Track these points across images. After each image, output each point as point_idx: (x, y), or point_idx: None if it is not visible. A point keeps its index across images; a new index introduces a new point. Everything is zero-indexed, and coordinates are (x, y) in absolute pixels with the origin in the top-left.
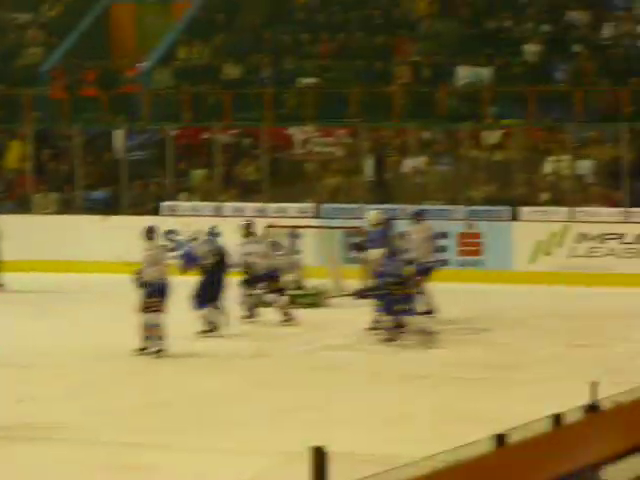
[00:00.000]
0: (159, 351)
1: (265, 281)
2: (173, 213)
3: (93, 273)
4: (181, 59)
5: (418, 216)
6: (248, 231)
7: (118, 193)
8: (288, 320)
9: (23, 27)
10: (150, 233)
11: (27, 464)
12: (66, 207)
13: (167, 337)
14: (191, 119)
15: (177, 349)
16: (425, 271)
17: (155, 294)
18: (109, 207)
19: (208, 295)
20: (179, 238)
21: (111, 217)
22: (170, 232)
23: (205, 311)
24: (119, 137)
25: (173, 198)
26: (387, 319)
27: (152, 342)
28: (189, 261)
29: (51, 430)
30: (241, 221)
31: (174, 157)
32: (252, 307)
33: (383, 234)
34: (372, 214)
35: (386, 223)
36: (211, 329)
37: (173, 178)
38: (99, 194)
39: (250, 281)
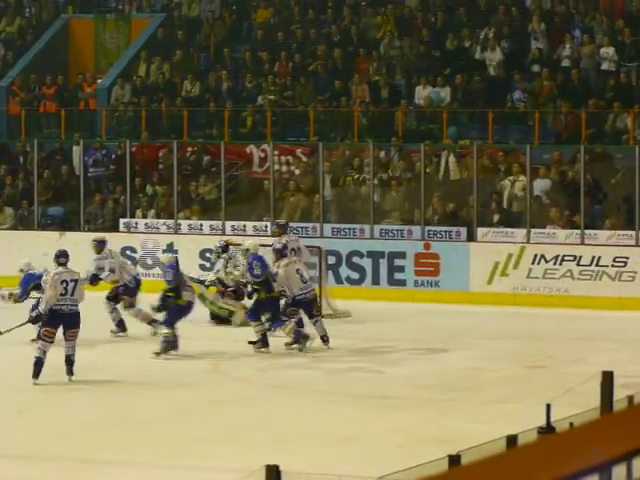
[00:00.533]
0: None
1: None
2: (130, 230)
3: None
4: (140, 76)
5: (284, 228)
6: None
7: (75, 209)
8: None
9: None
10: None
11: None
12: (22, 222)
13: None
14: (149, 136)
15: (133, 365)
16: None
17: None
18: (66, 223)
19: None
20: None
21: (67, 233)
22: (127, 249)
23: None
24: (77, 153)
25: (131, 215)
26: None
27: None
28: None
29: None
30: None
31: (132, 173)
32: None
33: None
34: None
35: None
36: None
37: (131, 195)
38: (56, 210)
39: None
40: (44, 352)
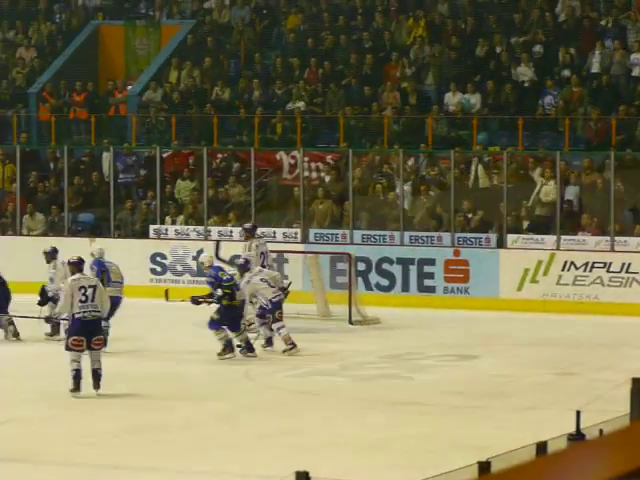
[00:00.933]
0: None
1: None
2: (160, 237)
3: None
4: (170, 82)
5: (252, 231)
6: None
7: (105, 215)
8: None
9: (12, 47)
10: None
11: None
12: (53, 229)
13: None
14: (180, 142)
15: (163, 372)
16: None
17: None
18: (96, 229)
19: None
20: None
21: (97, 239)
22: (158, 255)
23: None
24: (108, 159)
25: (161, 221)
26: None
27: None
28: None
29: (31, 452)
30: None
31: (162, 180)
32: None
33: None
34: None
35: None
36: None
37: (161, 201)
38: (86, 216)
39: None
40: (78, 362)
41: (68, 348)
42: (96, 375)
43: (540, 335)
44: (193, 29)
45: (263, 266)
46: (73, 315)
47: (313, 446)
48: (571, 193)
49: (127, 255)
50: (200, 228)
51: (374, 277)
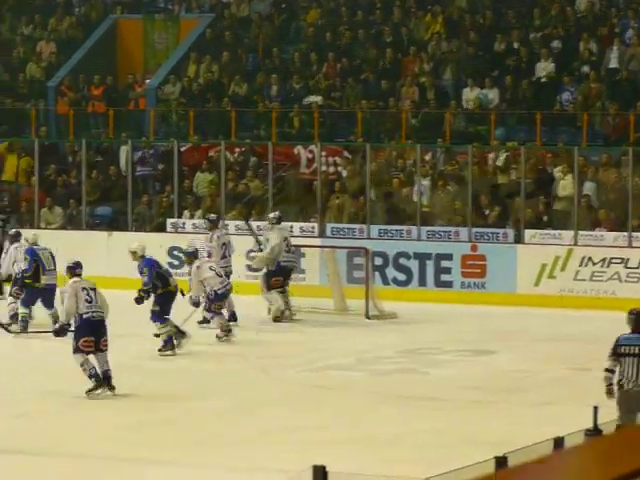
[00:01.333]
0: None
1: None
2: (178, 230)
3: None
4: (188, 76)
5: (215, 222)
6: None
7: (123, 209)
8: None
9: (31, 41)
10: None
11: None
12: (71, 222)
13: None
14: (198, 136)
15: (179, 365)
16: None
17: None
18: (114, 223)
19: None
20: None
21: (114, 233)
22: (175, 249)
23: None
24: (125, 153)
25: (178, 215)
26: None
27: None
28: None
29: (51, 445)
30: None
31: (180, 174)
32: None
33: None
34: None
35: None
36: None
37: (178, 195)
38: (104, 210)
39: None
40: (89, 362)
41: (78, 350)
42: (107, 377)
43: (557, 331)
44: (212, 23)
45: (224, 257)
46: (81, 316)
47: (329, 440)
48: (589, 188)
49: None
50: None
51: (391, 272)
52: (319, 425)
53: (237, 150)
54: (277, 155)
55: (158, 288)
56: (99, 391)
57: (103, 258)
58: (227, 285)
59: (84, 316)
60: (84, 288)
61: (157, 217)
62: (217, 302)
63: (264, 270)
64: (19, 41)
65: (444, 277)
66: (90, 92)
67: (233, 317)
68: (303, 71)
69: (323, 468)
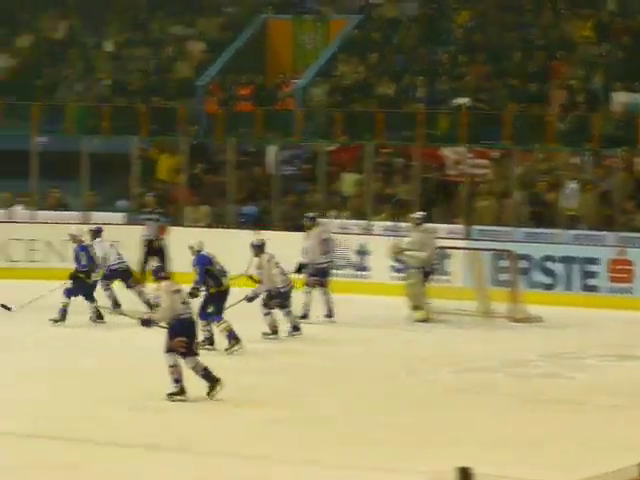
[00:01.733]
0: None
1: None
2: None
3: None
4: (336, 76)
5: (313, 220)
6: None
7: (268, 208)
8: None
9: (180, 40)
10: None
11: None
12: (217, 221)
13: None
14: (344, 136)
15: (313, 361)
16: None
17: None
18: (259, 222)
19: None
20: None
21: (261, 232)
22: None
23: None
24: (273, 152)
25: (323, 215)
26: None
27: None
28: None
29: (182, 441)
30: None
31: (326, 174)
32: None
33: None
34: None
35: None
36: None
37: (324, 195)
38: (250, 209)
39: None
40: (179, 366)
41: (171, 350)
42: (209, 374)
43: None
44: (359, 24)
45: (326, 252)
46: (176, 317)
47: (470, 442)
48: None
49: (290, 247)
50: (363, 222)
51: (536, 275)
52: (460, 427)
53: (383, 151)
54: (423, 157)
55: (210, 287)
56: (182, 397)
57: (248, 256)
58: (290, 284)
59: (181, 317)
60: (177, 290)
61: (302, 217)
62: (277, 300)
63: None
64: (168, 40)
65: (590, 281)
66: (238, 92)
67: (329, 314)
68: (451, 72)
69: (467, 469)
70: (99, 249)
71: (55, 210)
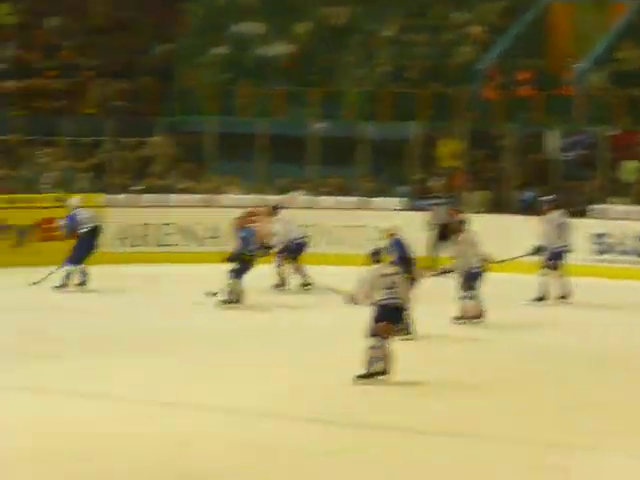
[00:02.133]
0: None
1: None
2: (602, 216)
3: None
4: (616, 60)
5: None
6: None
7: (547, 194)
8: None
9: (460, 25)
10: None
11: (447, 460)
12: (496, 206)
13: None
14: (626, 122)
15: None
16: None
17: None
18: (536, 207)
19: (76, 256)
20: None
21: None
22: (601, 235)
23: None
24: (553, 138)
25: (603, 201)
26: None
27: None
28: (70, 228)
29: (465, 426)
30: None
31: (606, 160)
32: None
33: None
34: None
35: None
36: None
37: (604, 181)
38: (527, 195)
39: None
40: (378, 349)
41: (376, 334)
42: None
43: None
44: (639, 9)
45: (560, 237)
46: (377, 302)
47: None
48: None
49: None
50: None
51: None
52: None
53: None
54: None
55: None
56: (381, 377)
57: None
58: (483, 266)
59: (380, 302)
60: (385, 274)
61: (583, 203)
62: (470, 281)
63: None
64: (448, 26)
65: None
66: (518, 76)
67: (565, 296)
68: None
69: None
70: (280, 225)
71: (335, 196)
